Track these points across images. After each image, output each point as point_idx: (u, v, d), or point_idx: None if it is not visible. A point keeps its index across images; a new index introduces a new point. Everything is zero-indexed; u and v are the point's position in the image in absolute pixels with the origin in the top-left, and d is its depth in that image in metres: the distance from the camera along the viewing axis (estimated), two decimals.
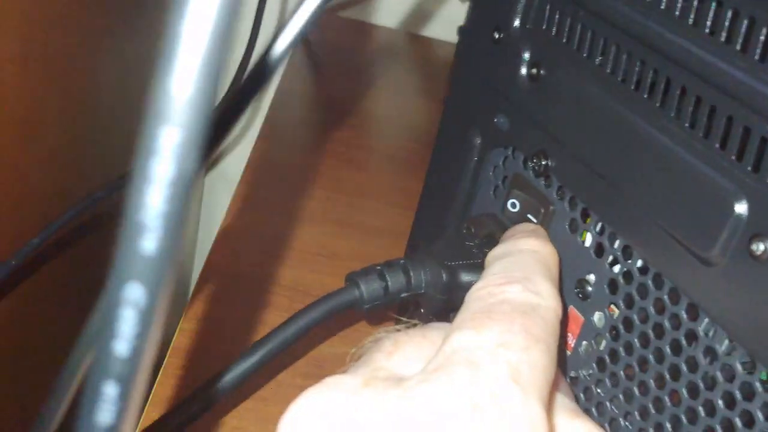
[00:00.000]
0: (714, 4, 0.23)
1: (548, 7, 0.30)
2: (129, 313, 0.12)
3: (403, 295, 0.30)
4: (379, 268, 0.30)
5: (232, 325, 0.40)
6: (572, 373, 0.30)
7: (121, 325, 0.12)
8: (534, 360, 0.22)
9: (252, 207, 0.48)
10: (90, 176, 0.49)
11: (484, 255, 0.31)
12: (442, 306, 0.30)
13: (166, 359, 0.37)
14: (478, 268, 0.30)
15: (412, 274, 0.30)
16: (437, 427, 0.20)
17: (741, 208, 0.23)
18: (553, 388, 0.23)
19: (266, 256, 0.45)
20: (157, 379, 0.36)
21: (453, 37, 0.78)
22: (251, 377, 0.28)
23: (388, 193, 0.53)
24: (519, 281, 0.25)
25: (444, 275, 0.30)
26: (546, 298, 0.25)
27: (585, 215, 0.29)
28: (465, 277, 0.30)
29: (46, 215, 0.39)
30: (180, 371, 0.36)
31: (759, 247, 0.22)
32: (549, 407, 0.23)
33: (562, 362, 0.30)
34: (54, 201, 0.43)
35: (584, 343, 0.29)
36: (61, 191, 0.45)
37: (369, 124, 0.63)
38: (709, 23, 0.24)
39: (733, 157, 0.23)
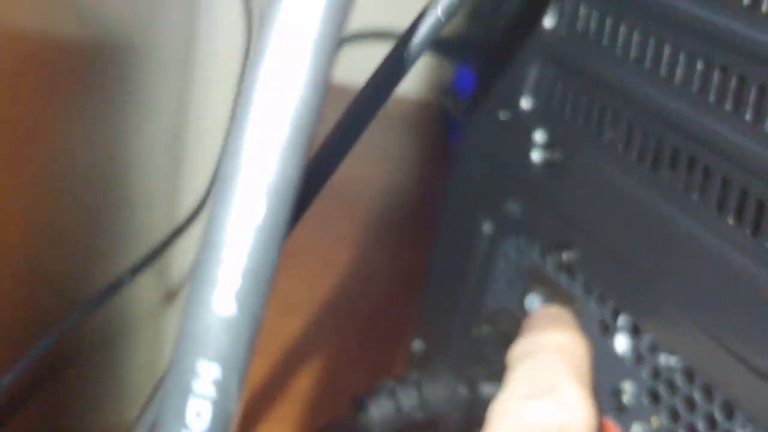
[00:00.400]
0: (748, 88, 0.21)
1: (560, 83, 0.27)
2: None
3: (420, 416, 0.26)
4: (390, 386, 0.26)
5: None
6: None
7: None
8: None
9: None
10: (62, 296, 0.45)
11: (502, 358, 0.28)
12: (464, 426, 0.27)
13: None
14: (499, 374, 0.27)
15: (426, 390, 0.27)
16: None
17: None
18: None
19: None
20: None
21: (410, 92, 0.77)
22: None
23: (381, 271, 0.50)
24: (546, 393, 0.23)
25: (462, 390, 0.27)
26: (578, 410, 0.23)
27: (616, 315, 0.26)
28: (486, 388, 0.27)
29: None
30: None
31: None
32: None
33: None
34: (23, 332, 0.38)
35: None
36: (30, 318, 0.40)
37: (349, 194, 0.60)
38: (752, 109, 0.21)
39: None
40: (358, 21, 0.76)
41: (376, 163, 0.63)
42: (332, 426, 0.26)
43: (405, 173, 0.64)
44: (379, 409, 0.26)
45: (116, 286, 0.39)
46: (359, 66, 0.78)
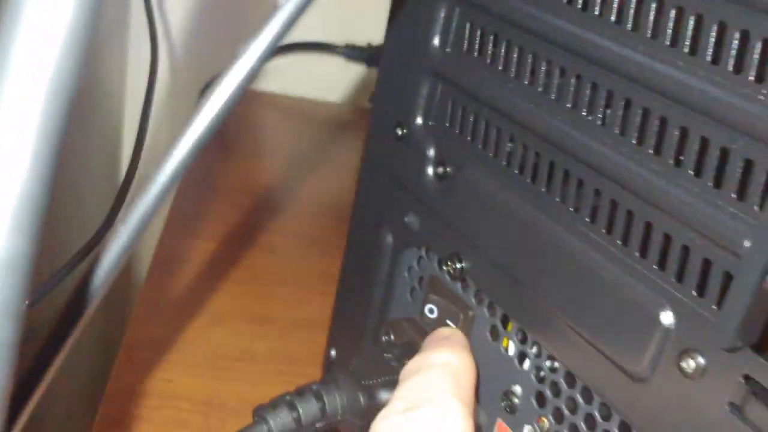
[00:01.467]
0: (620, 103, 0.22)
1: (450, 103, 0.28)
2: None
3: (318, 425, 0.27)
4: (288, 398, 0.27)
5: None
6: None
7: None
8: None
9: (158, 312, 0.45)
10: None
11: (402, 366, 0.29)
12: None
13: None
14: (396, 384, 0.28)
15: (326, 400, 0.27)
16: None
17: (667, 320, 0.21)
18: None
19: (177, 367, 0.42)
20: None
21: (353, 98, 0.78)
22: None
23: (303, 277, 0.51)
24: (423, 405, 0.24)
25: (361, 398, 0.28)
26: (454, 419, 0.24)
27: (506, 321, 0.27)
28: (384, 396, 0.28)
29: None
30: None
31: (689, 364, 0.21)
32: None
33: None
34: None
35: None
36: None
37: (282, 204, 0.61)
38: (618, 122, 0.22)
39: (655, 266, 0.22)
40: (295, 33, 0.76)
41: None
42: None
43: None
44: (278, 422, 0.27)
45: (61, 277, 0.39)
46: (295, 76, 0.79)
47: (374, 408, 0.28)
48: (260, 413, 0.27)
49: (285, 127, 0.75)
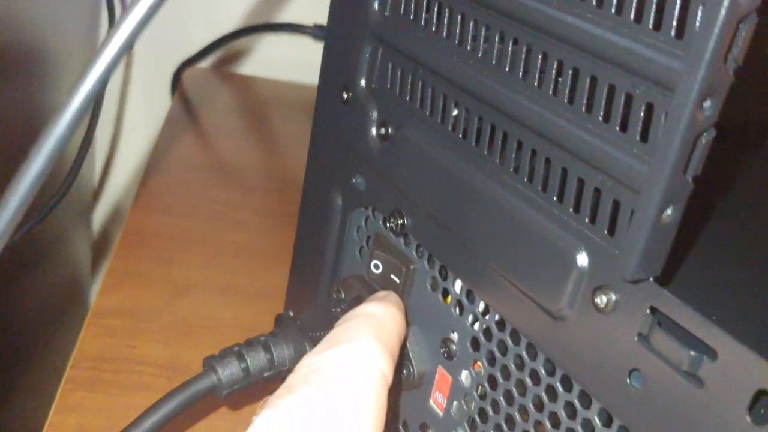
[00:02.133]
0: (535, 57, 0.23)
1: (390, 65, 0.29)
2: None
3: (266, 374, 0.28)
4: (237, 348, 0.28)
5: (107, 414, 0.37)
6: None
7: None
8: (338, 426, 0.21)
9: (126, 280, 0.46)
10: None
11: None
12: None
13: None
14: None
15: (274, 351, 0.29)
16: None
17: (582, 260, 0.23)
18: None
19: (141, 333, 0.43)
20: None
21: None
22: None
23: (270, 251, 0.52)
24: (339, 344, 0.25)
25: (308, 348, 0.29)
26: (369, 358, 0.25)
27: (444, 273, 0.29)
28: None
29: None
30: None
31: (602, 300, 0.22)
32: None
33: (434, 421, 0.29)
34: None
35: (455, 403, 0.28)
36: None
37: (252, 181, 0.62)
38: (537, 75, 0.23)
39: (571, 209, 0.23)
40: (264, 15, 0.78)
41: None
42: (189, 383, 0.27)
43: None
44: (226, 371, 0.28)
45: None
46: (265, 58, 0.80)
47: None
48: (210, 363, 0.28)
49: (255, 108, 0.76)
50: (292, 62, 0.79)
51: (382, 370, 0.24)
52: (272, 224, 0.56)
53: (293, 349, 0.29)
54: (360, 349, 0.24)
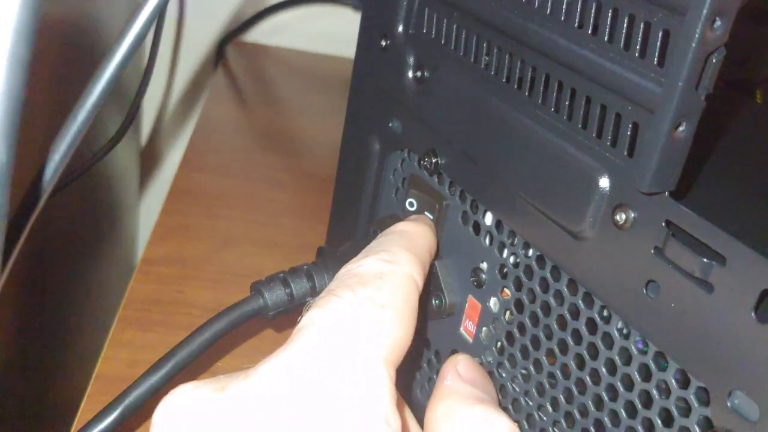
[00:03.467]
0: None
1: (426, 11, 0.31)
2: None
3: (309, 299, 0.30)
4: (282, 275, 0.30)
5: (156, 350, 0.40)
6: (477, 360, 0.30)
7: None
8: (378, 328, 0.23)
9: (175, 233, 0.49)
10: None
11: None
12: None
13: (90, 386, 0.37)
14: None
15: (316, 278, 0.31)
16: (280, 399, 0.21)
17: (604, 182, 0.24)
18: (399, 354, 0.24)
19: (189, 280, 0.45)
20: (81, 407, 0.36)
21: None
22: (160, 391, 0.28)
23: (310, 210, 0.54)
24: (374, 254, 0.27)
25: None
26: (401, 265, 0.26)
27: (475, 207, 0.30)
28: None
29: None
30: (104, 397, 0.37)
31: (621, 217, 0.24)
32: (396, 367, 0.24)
33: (467, 349, 0.31)
34: None
35: (484, 329, 0.30)
36: None
37: (290, 145, 0.64)
38: (563, 10, 0.25)
39: (594, 135, 0.25)
40: None
41: None
42: (238, 304, 0.30)
43: None
44: (272, 295, 0.30)
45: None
46: (305, 31, 0.82)
47: None
48: (257, 287, 0.30)
49: (296, 80, 0.78)
50: (331, 35, 0.81)
51: (413, 276, 0.26)
52: (311, 186, 0.58)
53: (333, 276, 0.31)
54: (393, 257, 0.26)
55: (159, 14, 0.20)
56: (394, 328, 0.24)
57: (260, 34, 0.83)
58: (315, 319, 0.23)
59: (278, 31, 0.83)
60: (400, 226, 0.29)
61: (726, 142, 0.30)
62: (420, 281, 0.26)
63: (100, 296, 0.67)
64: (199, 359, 0.31)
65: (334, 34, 0.81)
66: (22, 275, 0.45)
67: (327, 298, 0.24)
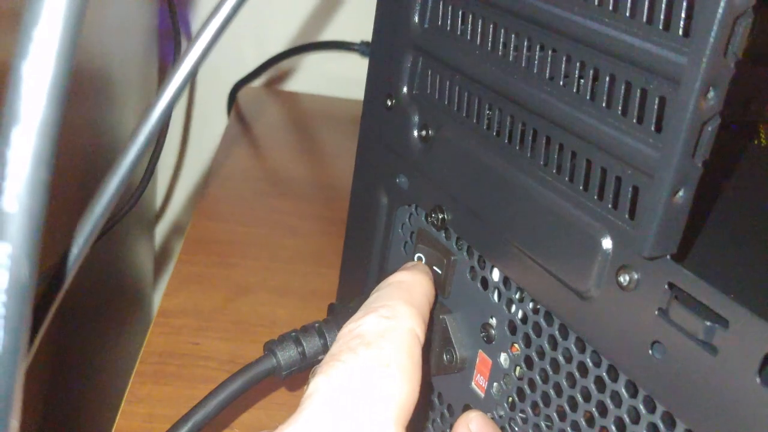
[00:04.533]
0: (559, 60, 0.25)
1: (429, 73, 0.32)
2: None
3: (321, 357, 0.31)
4: (294, 334, 0.31)
5: (173, 404, 0.40)
6: (488, 415, 0.31)
7: None
8: (386, 388, 0.24)
9: (190, 283, 0.50)
10: None
11: None
12: None
13: None
14: None
15: (327, 336, 0.31)
16: None
17: (607, 243, 0.25)
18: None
19: (204, 331, 0.46)
20: None
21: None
22: None
23: (322, 255, 0.55)
24: (374, 311, 0.27)
25: None
26: (401, 320, 0.27)
27: (483, 262, 0.31)
28: None
29: None
30: None
31: (625, 279, 0.24)
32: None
33: (478, 403, 0.31)
34: None
35: (495, 384, 0.31)
36: None
37: (300, 189, 0.65)
38: (561, 76, 0.26)
39: (596, 197, 0.25)
40: (313, 34, 0.81)
41: None
42: (251, 365, 0.30)
43: None
44: (285, 354, 0.30)
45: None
46: (314, 75, 0.83)
47: None
48: (270, 347, 0.31)
49: (306, 123, 0.79)
50: (340, 78, 0.83)
51: (414, 330, 0.26)
52: (322, 230, 0.59)
53: None
54: (393, 312, 0.27)
55: (168, 111, 0.20)
56: (400, 387, 0.25)
57: (271, 79, 0.85)
58: (321, 388, 0.23)
59: (289, 76, 0.85)
60: (398, 277, 0.29)
61: (729, 193, 0.30)
62: (421, 334, 0.27)
63: (117, 350, 0.67)
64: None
65: (343, 77, 0.82)
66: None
67: (331, 364, 0.24)
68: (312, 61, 0.84)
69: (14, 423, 0.14)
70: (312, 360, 0.31)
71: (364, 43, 0.77)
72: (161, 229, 0.90)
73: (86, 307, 0.60)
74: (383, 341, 0.26)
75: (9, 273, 0.13)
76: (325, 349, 0.31)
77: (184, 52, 0.20)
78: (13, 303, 0.13)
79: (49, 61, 0.12)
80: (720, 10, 0.20)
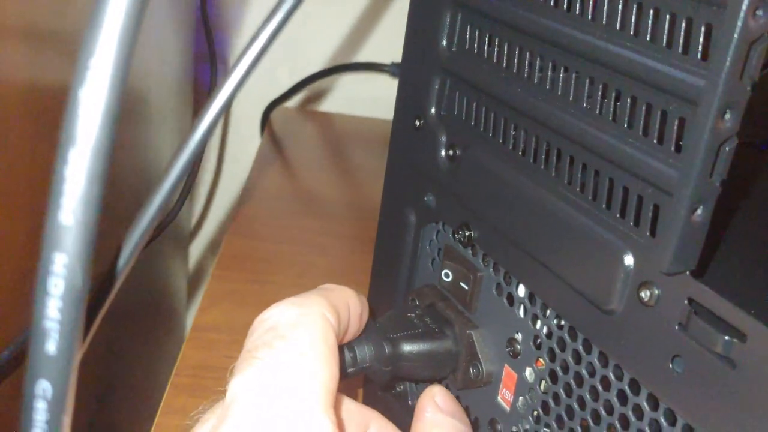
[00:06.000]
0: (583, 82, 0.26)
1: (457, 94, 0.33)
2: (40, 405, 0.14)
3: (350, 370, 0.32)
4: None
5: None
6: (513, 428, 0.31)
7: (34, 414, 0.14)
8: (305, 376, 0.25)
9: (223, 299, 0.51)
10: None
11: (425, 324, 0.34)
12: (388, 376, 0.32)
13: None
14: (418, 337, 0.33)
15: (357, 350, 0.32)
16: None
17: (628, 260, 0.25)
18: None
19: (238, 345, 0.47)
20: None
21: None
22: None
23: (351, 273, 0.56)
24: (288, 301, 0.29)
25: (386, 348, 0.32)
26: (311, 306, 0.28)
27: (509, 278, 0.32)
28: (406, 347, 0.32)
29: None
30: None
31: (646, 294, 0.25)
32: None
33: (503, 416, 0.32)
34: None
35: (520, 398, 0.31)
36: None
37: (335, 210, 0.66)
38: (585, 98, 0.26)
39: (618, 215, 0.26)
40: (346, 55, 0.83)
41: None
42: None
43: None
44: None
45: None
46: (346, 95, 0.85)
47: (397, 356, 0.32)
48: None
49: (337, 142, 0.81)
50: (370, 99, 0.84)
51: (325, 315, 0.28)
52: (352, 248, 0.60)
53: (373, 349, 0.32)
54: (302, 300, 0.28)
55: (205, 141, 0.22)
56: (319, 371, 0.26)
57: (304, 100, 0.86)
58: (243, 390, 0.24)
59: (321, 97, 0.86)
60: (323, 285, 0.31)
61: (750, 210, 0.31)
62: (334, 321, 0.28)
63: (152, 364, 0.69)
64: None
65: (374, 98, 0.83)
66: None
67: (250, 362, 0.25)
68: (343, 81, 0.85)
69: (67, 420, 0.15)
70: (342, 374, 0.32)
71: (394, 64, 0.78)
72: (196, 246, 0.92)
73: (123, 322, 0.61)
74: (296, 331, 0.26)
75: (65, 281, 0.14)
76: (354, 362, 0.32)
77: (221, 82, 0.21)
78: (68, 308, 0.14)
79: (103, 88, 0.13)
80: (735, 36, 0.20)
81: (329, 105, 0.87)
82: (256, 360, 0.26)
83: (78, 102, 0.13)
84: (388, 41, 0.82)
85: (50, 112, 0.43)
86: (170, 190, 0.18)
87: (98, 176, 0.14)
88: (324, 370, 0.26)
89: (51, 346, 0.14)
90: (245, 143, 0.86)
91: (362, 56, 0.83)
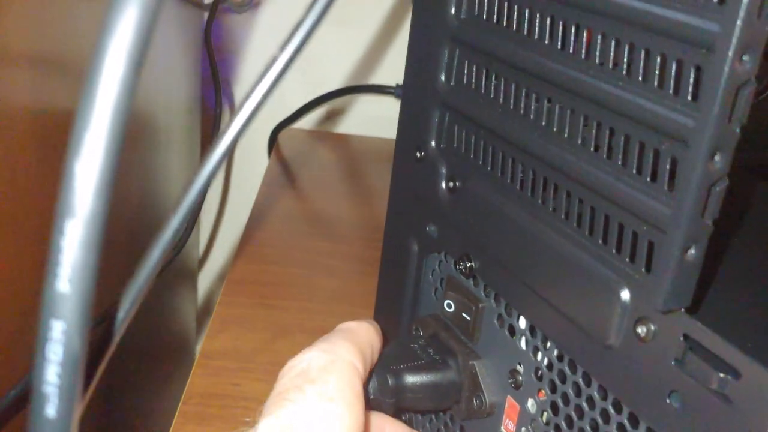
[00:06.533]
0: (577, 119, 0.27)
1: (456, 127, 0.33)
2: None
3: None
4: None
5: None
6: None
7: None
8: (333, 422, 0.26)
9: (230, 324, 0.51)
10: None
11: (428, 355, 0.34)
12: (393, 409, 0.33)
13: None
14: (421, 369, 0.33)
15: None
16: None
17: (625, 295, 0.26)
18: None
19: (245, 372, 0.47)
20: None
21: None
22: None
23: (359, 295, 0.56)
24: (316, 347, 0.30)
25: (390, 380, 0.32)
26: (341, 353, 0.29)
27: (510, 310, 0.32)
28: (409, 379, 0.33)
29: None
30: None
31: (643, 330, 0.25)
32: None
33: None
34: None
35: (523, 429, 0.31)
36: None
37: (342, 231, 0.67)
38: (580, 135, 0.27)
39: (614, 250, 0.26)
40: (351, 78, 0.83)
41: None
42: None
43: None
44: None
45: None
46: (352, 116, 0.85)
47: (400, 388, 0.33)
48: None
49: (344, 163, 0.81)
50: (377, 119, 0.85)
51: (353, 363, 0.29)
52: (360, 270, 0.60)
53: (376, 381, 0.32)
54: (332, 347, 0.29)
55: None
56: (346, 418, 0.27)
57: (310, 121, 0.87)
58: (272, 428, 0.25)
59: (327, 117, 0.87)
60: (344, 325, 0.32)
61: (745, 240, 0.31)
62: (361, 368, 0.29)
63: (161, 394, 0.69)
64: None
65: (380, 118, 0.84)
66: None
67: (280, 404, 0.26)
68: (349, 103, 0.86)
69: None
70: None
71: (399, 87, 0.79)
72: (206, 273, 0.93)
73: (130, 356, 0.62)
74: (327, 375, 0.27)
75: (63, 347, 0.14)
76: None
77: (226, 125, 0.21)
78: (67, 373, 0.14)
79: (97, 160, 0.14)
80: (723, 80, 0.21)
81: (336, 126, 0.88)
82: (286, 402, 0.26)
83: (73, 175, 0.14)
84: (393, 63, 0.83)
85: (56, 137, 0.44)
86: (173, 236, 0.19)
87: (94, 245, 0.14)
88: (350, 416, 0.27)
89: (51, 410, 0.14)
90: (253, 165, 0.87)
91: (369, 78, 0.84)
